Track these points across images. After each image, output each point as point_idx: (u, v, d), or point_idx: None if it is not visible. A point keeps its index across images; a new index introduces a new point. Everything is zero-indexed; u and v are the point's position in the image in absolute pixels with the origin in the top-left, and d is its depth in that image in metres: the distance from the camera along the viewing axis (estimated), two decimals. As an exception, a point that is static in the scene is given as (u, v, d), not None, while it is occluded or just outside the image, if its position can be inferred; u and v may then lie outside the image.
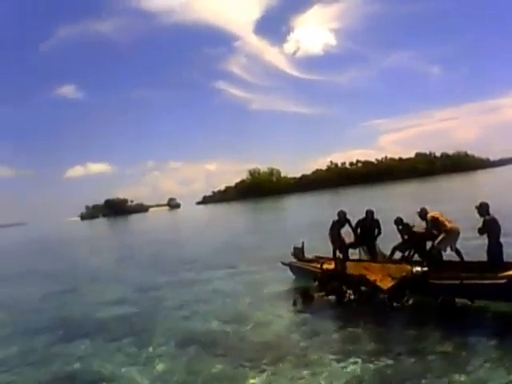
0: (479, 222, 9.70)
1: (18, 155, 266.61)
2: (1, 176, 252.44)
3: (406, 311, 9.72)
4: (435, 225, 10.42)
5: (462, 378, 6.32)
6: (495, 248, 9.53)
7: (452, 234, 10.31)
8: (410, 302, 9.87)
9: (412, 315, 9.53)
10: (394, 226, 11.45)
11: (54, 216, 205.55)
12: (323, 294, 11.41)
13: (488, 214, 9.66)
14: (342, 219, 12.54)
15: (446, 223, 10.32)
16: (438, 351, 7.33)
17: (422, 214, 10.90)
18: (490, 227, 9.54)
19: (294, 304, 11.02)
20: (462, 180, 78.19)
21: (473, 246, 11.80)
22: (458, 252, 10.58)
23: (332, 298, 11.18)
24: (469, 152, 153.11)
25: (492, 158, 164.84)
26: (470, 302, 9.13)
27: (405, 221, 11.30)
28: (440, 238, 10.30)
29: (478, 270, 9.46)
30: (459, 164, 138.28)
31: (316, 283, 11.92)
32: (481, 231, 9.63)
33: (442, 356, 7.14)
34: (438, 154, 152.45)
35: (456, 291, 9.34)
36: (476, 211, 9.83)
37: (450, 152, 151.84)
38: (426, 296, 9.85)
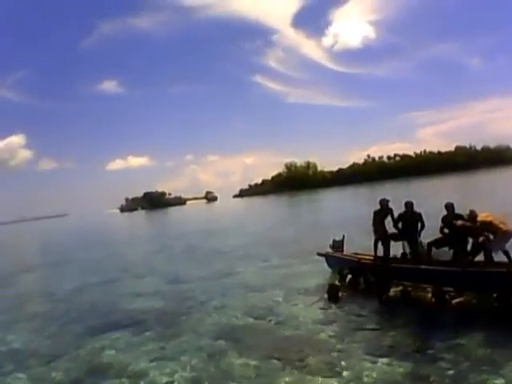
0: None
1: (60, 148, 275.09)
2: (44, 168, 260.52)
3: (449, 309, 9.25)
4: (488, 228, 9.72)
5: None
6: None
7: (506, 237, 9.63)
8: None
9: (453, 313, 9.05)
10: (443, 212, 10.85)
11: (94, 208, 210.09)
12: (359, 287, 11.10)
13: None
14: (385, 208, 11.94)
15: (501, 226, 9.63)
16: (480, 353, 6.91)
17: (472, 216, 10.15)
18: None
19: (328, 298, 10.71)
20: (502, 174, 75.62)
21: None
22: (506, 253, 9.92)
23: (368, 292, 10.89)
24: (511, 145, 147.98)
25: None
26: None
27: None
28: (494, 239, 9.63)
29: None
30: (501, 157, 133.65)
31: (352, 276, 11.55)
32: None
33: (484, 359, 6.70)
34: (478, 148, 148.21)
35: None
36: None
37: (492, 145, 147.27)
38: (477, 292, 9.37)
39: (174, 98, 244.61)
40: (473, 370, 6.35)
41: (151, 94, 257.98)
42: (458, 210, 10.77)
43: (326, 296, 10.81)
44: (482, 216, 9.87)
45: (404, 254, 11.71)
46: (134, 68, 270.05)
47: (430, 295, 9.86)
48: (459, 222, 10.17)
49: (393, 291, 10.57)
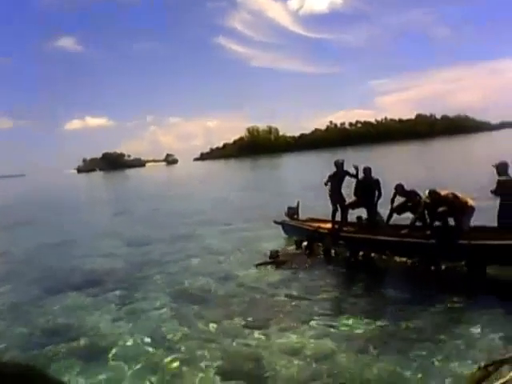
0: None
1: (15, 106, 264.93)
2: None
3: (403, 274, 9.53)
4: (457, 202, 9.57)
5: (452, 345, 6.04)
6: (507, 212, 8.92)
7: (472, 211, 9.49)
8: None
9: (409, 277, 9.32)
10: (392, 192, 10.92)
11: (51, 168, 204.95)
12: (316, 253, 11.16)
13: (506, 174, 9.08)
14: (340, 170, 11.68)
15: (468, 200, 9.54)
16: (433, 316, 7.06)
17: (433, 195, 10.04)
18: (505, 188, 8.95)
19: (284, 262, 10.73)
20: (460, 143, 77.86)
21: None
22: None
23: (324, 257, 10.99)
24: (470, 115, 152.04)
25: (493, 122, 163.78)
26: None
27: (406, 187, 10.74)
28: (465, 215, 9.43)
29: (487, 234, 8.94)
30: (459, 127, 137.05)
31: (308, 243, 11.52)
32: (496, 192, 9.04)
33: (435, 321, 6.87)
34: (438, 117, 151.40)
35: (465, 254, 8.95)
36: (495, 171, 9.22)
37: (451, 115, 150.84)
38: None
39: (134, 58, 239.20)
40: (430, 331, 6.53)
41: (111, 53, 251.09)
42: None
43: (282, 259, 10.86)
44: (445, 192, 9.70)
45: (359, 217, 11.74)
46: (92, 25, 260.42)
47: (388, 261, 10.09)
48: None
49: (352, 257, 10.65)
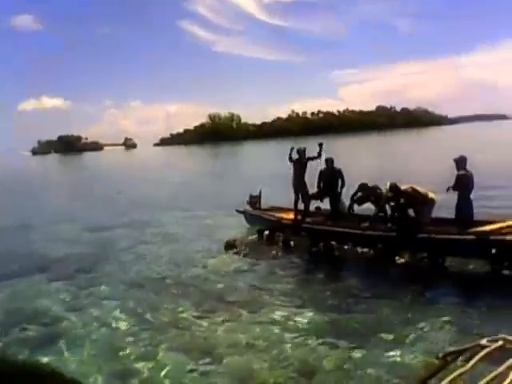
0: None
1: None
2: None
3: (363, 265, 9.61)
4: (417, 196, 9.54)
5: (410, 335, 6.08)
6: (465, 205, 9.15)
7: (433, 204, 9.61)
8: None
9: (368, 269, 9.39)
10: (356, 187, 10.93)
11: (4, 149, 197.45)
12: (277, 243, 11.13)
13: (465, 168, 9.25)
14: (303, 157, 11.53)
15: (429, 193, 9.59)
16: (391, 307, 7.10)
17: (394, 189, 9.86)
18: (463, 183, 9.13)
19: (246, 252, 10.71)
20: (418, 136, 79.88)
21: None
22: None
23: (283, 247, 10.95)
24: (429, 109, 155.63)
25: (450, 116, 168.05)
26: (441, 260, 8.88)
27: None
28: (425, 208, 9.51)
29: (447, 227, 9.16)
30: (418, 120, 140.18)
31: (269, 233, 11.49)
32: (454, 187, 9.19)
33: (394, 312, 6.92)
34: (398, 109, 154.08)
35: (424, 246, 9.13)
36: (455, 165, 9.35)
37: (411, 107, 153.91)
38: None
39: (95, 39, 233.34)
40: (388, 322, 6.58)
41: (71, 33, 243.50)
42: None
43: (243, 249, 10.83)
44: (405, 187, 9.73)
45: (318, 208, 11.79)
46: (54, 4, 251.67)
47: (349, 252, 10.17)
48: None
49: (313, 247, 10.67)
